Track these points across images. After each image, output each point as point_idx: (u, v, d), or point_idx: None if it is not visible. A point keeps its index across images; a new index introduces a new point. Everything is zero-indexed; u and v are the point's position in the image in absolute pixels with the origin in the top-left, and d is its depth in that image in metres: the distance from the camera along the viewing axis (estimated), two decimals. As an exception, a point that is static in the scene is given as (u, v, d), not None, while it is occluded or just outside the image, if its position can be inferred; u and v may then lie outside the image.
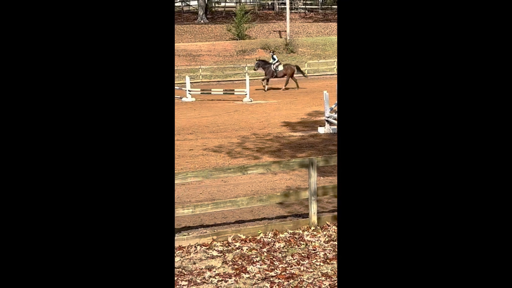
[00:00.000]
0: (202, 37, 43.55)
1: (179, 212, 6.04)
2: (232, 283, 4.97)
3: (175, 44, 39.47)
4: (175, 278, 5.10)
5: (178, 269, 5.33)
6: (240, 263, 5.46)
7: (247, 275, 5.13)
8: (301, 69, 26.71)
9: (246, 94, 21.10)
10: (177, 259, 5.64)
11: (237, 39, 42.09)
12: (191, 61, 36.33)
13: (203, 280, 5.06)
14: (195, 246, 5.99)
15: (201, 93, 22.37)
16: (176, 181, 6.02)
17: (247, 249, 5.84)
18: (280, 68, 24.86)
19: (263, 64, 25.14)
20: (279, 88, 24.72)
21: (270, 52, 27.78)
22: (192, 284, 4.99)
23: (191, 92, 22.08)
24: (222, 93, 22.04)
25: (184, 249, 5.91)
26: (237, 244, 6.02)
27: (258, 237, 6.20)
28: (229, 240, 6.13)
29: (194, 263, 5.49)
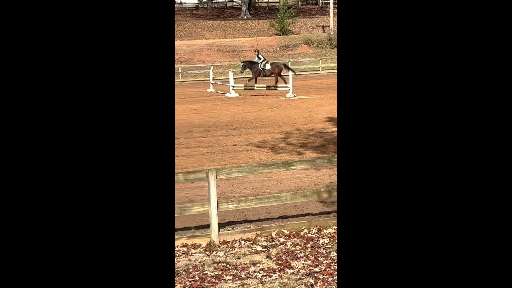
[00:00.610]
0: (245, 33, 43.69)
1: (223, 207, 6.09)
2: (276, 278, 4.98)
3: (219, 40, 39.79)
4: (220, 273, 5.15)
5: (222, 264, 5.38)
6: (284, 258, 5.47)
7: (291, 271, 5.14)
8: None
9: (289, 90, 21.06)
10: (221, 253, 5.69)
11: (280, 35, 42.04)
12: (235, 57, 36.50)
13: (248, 275, 5.09)
14: (239, 241, 6.03)
15: (244, 89, 22.45)
16: (220, 176, 6.07)
17: (291, 245, 5.85)
18: (268, 66, 23.97)
19: (249, 64, 24.37)
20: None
21: (255, 51, 26.82)
22: (237, 278, 5.02)
23: (234, 88, 22.19)
24: (265, 88, 22.06)
25: (229, 244, 5.96)
26: (281, 240, 6.03)
27: (302, 233, 6.20)
28: (273, 235, 6.15)
29: (239, 258, 5.52)
